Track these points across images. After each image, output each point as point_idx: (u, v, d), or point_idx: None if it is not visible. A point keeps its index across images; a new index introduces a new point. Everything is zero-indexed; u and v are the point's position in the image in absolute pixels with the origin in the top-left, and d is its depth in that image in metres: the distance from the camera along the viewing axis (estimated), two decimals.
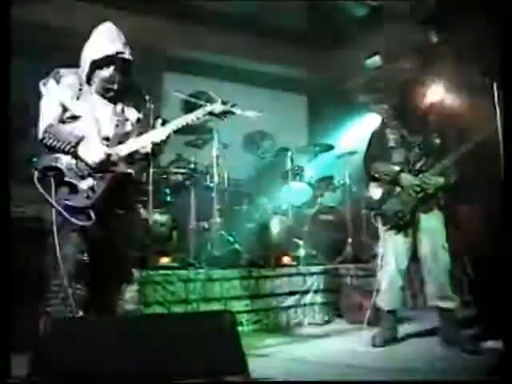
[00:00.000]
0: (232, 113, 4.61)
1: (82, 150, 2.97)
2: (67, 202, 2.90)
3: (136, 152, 3.16)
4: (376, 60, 7.16)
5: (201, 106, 3.80)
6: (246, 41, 7.30)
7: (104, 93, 3.19)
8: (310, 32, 7.45)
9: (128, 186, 3.17)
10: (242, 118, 5.48)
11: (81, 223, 2.89)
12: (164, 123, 3.82)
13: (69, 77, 3.13)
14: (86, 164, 2.99)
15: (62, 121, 3.06)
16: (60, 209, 2.85)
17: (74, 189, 2.95)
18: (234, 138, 6.03)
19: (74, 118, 3.07)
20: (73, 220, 2.86)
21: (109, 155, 3.02)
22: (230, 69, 7.68)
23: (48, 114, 3.06)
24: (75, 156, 2.98)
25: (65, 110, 3.07)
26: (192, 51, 7.28)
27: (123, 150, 3.11)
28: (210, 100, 5.75)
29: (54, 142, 2.97)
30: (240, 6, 6.83)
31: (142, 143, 3.15)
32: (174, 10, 6.63)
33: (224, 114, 4.48)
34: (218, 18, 6.92)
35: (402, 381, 3.18)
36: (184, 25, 6.86)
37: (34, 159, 3.02)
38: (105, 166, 3.01)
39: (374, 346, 3.96)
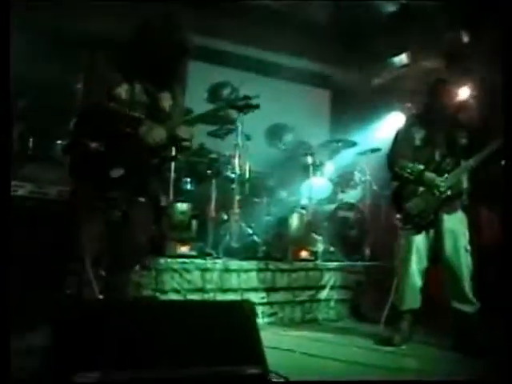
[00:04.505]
0: (255, 107, 4.59)
1: (142, 131, 3.01)
2: (96, 190, 2.91)
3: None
4: (403, 58, 7.10)
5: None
6: (273, 33, 7.25)
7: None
8: (337, 27, 7.38)
9: (152, 174, 3.19)
10: (265, 109, 5.50)
11: (111, 216, 2.91)
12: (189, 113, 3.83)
13: None
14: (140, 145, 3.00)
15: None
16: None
17: (103, 177, 2.94)
18: (256, 130, 6.00)
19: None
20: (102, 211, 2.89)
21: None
22: (256, 60, 7.64)
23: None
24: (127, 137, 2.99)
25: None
26: (218, 41, 7.25)
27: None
28: (234, 90, 5.80)
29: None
30: None
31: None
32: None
33: (246, 107, 4.47)
34: (246, 10, 6.88)
35: (402, 381, 3.17)
36: (211, 14, 6.82)
37: (60, 142, 3.04)
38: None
39: (391, 345, 3.93)
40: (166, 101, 3.28)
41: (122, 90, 3.07)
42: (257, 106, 4.25)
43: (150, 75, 3.15)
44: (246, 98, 3.93)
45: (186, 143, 3.32)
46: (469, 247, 3.96)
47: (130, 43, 3.15)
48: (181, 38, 3.12)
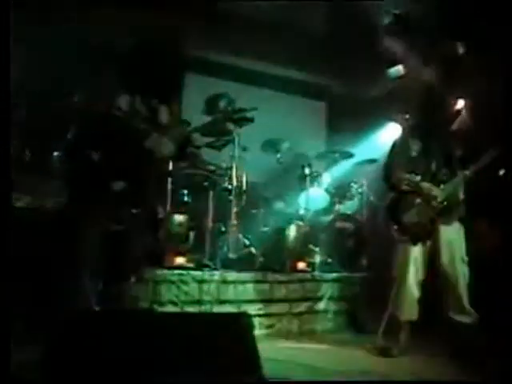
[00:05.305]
0: (250, 120, 4.60)
1: (151, 143, 3.01)
2: (97, 203, 2.91)
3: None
4: (399, 69, 7.12)
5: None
6: (269, 45, 7.28)
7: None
8: (333, 38, 7.42)
9: (152, 187, 3.20)
10: (262, 121, 5.51)
11: (113, 228, 2.92)
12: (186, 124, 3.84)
13: None
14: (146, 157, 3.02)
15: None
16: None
17: (104, 189, 2.95)
18: (253, 141, 6.00)
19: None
20: (100, 227, 2.89)
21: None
22: (251, 72, 7.67)
23: None
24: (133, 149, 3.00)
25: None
26: (213, 53, 7.27)
27: None
28: (231, 102, 5.81)
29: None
30: (264, 10, 6.82)
31: None
32: (198, 11, 6.62)
33: (241, 120, 4.47)
34: (241, 22, 6.91)
35: (401, 381, 3.16)
36: (206, 26, 6.85)
37: (56, 153, 3.04)
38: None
39: (389, 356, 3.92)
40: (164, 114, 3.29)
41: (123, 101, 3.07)
42: (251, 120, 4.25)
43: (151, 88, 3.16)
44: (242, 110, 3.93)
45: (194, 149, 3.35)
46: (466, 258, 3.96)
47: (131, 55, 3.16)
48: (181, 51, 3.15)
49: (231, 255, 5.02)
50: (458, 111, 4.35)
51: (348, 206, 6.43)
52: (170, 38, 3.12)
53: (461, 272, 3.92)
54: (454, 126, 4.24)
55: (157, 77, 3.14)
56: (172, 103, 3.36)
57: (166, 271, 4.37)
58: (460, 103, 4.54)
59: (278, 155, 6.37)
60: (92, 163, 2.92)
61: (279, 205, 6.18)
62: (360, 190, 6.38)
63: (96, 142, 2.94)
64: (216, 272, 4.64)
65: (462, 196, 4.10)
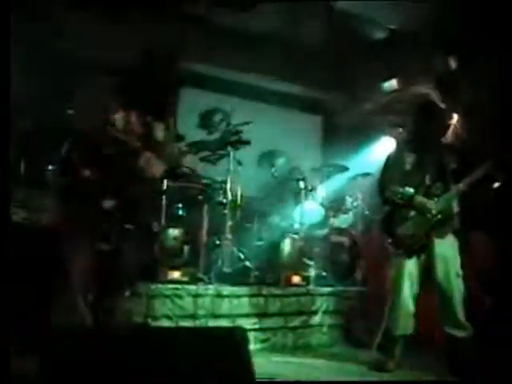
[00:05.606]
0: (246, 143, 4.60)
1: (143, 162, 3.00)
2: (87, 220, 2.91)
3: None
4: (393, 83, 7.16)
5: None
6: (264, 59, 7.31)
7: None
8: (328, 53, 7.46)
9: (144, 203, 3.20)
10: (257, 135, 5.52)
11: (102, 247, 2.91)
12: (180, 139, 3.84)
13: None
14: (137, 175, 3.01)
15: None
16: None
17: (95, 206, 2.94)
18: (248, 155, 6.00)
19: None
20: (92, 244, 2.88)
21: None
22: (247, 86, 7.68)
23: None
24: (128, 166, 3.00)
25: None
26: (208, 66, 7.28)
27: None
28: (226, 117, 5.83)
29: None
30: (260, 24, 6.86)
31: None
32: (195, 24, 6.64)
33: (237, 143, 4.47)
34: (236, 35, 6.94)
35: (402, 381, 3.15)
36: (202, 39, 6.86)
37: (51, 167, 3.03)
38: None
39: (385, 371, 3.91)
40: (160, 131, 3.29)
41: (118, 118, 3.07)
42: (248, 143, 4.26)
43: (147, 104, 3.17)
44: (238, 132, 3.95)
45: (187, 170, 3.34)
46: (460, 272, 3.95)
47: (129, 71, 3.17)
48: (178, 66, 3.17)
49: (226, 269, 5.01)
50: (452, 124, 4.36)
51: (343, 220, 6.43)
52: (166, 53, 3.12)
53: (456, 286, 3.91)
54: (448, 140, 4.25)
55: (152, 92, 3.15)
56: (167, 119, 3.35)
57: (160, 285, 4.36)
58: (454, 116, 4.56)
59: (273, 169, 6.37)
60: (84, 179, 2.92)
61: (274, 218, 6.17)
62: (355, 204, 6.38)
63: (90, 158, 2.94)
64: (211, 286, 4.63)
65: (456, 209, 4.10)
